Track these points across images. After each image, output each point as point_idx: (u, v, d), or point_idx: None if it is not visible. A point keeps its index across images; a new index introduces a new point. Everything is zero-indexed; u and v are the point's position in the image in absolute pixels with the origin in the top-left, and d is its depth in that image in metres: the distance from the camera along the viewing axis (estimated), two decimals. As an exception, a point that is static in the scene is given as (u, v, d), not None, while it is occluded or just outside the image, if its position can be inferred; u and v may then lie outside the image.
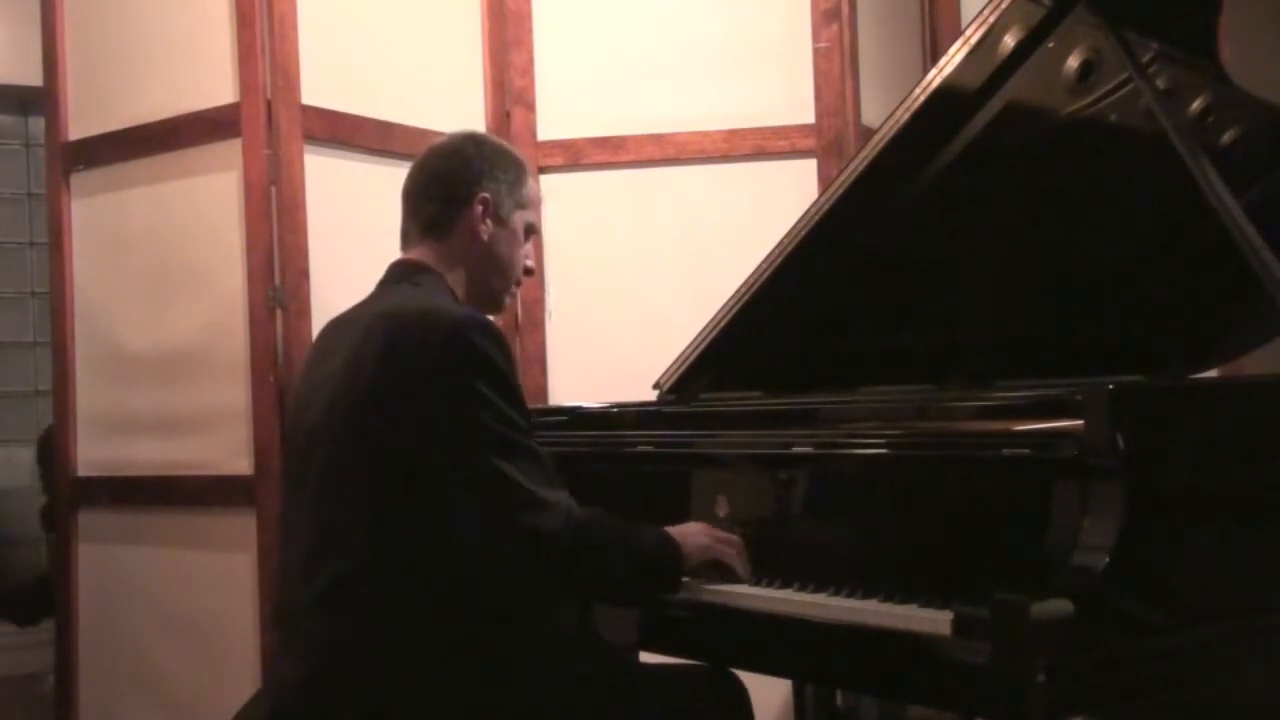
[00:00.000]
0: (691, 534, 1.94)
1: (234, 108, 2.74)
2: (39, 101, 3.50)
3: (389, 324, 1.88)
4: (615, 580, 1.89)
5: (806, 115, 3.13)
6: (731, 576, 1.92)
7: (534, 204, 2.12)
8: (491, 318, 1.99)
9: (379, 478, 1.81)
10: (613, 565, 1.86)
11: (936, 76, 2.01)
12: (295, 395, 2.13)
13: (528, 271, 2.13)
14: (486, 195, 2.04)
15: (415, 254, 2.05)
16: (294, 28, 2.76)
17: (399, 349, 1.83)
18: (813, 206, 2.18)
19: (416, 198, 2.07)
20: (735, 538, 1.96)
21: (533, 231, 2.12)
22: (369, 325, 1.90)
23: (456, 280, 2.04)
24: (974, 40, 1.96)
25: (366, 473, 1.82)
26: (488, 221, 2.04)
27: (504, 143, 2.17)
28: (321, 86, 2.81)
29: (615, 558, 1.86)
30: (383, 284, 2.06)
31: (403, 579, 1.79)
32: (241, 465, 2.72)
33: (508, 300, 2.14)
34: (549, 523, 1.78)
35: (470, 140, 2.11)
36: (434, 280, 2.01)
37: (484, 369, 1.81)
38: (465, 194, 2.03)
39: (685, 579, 1.91)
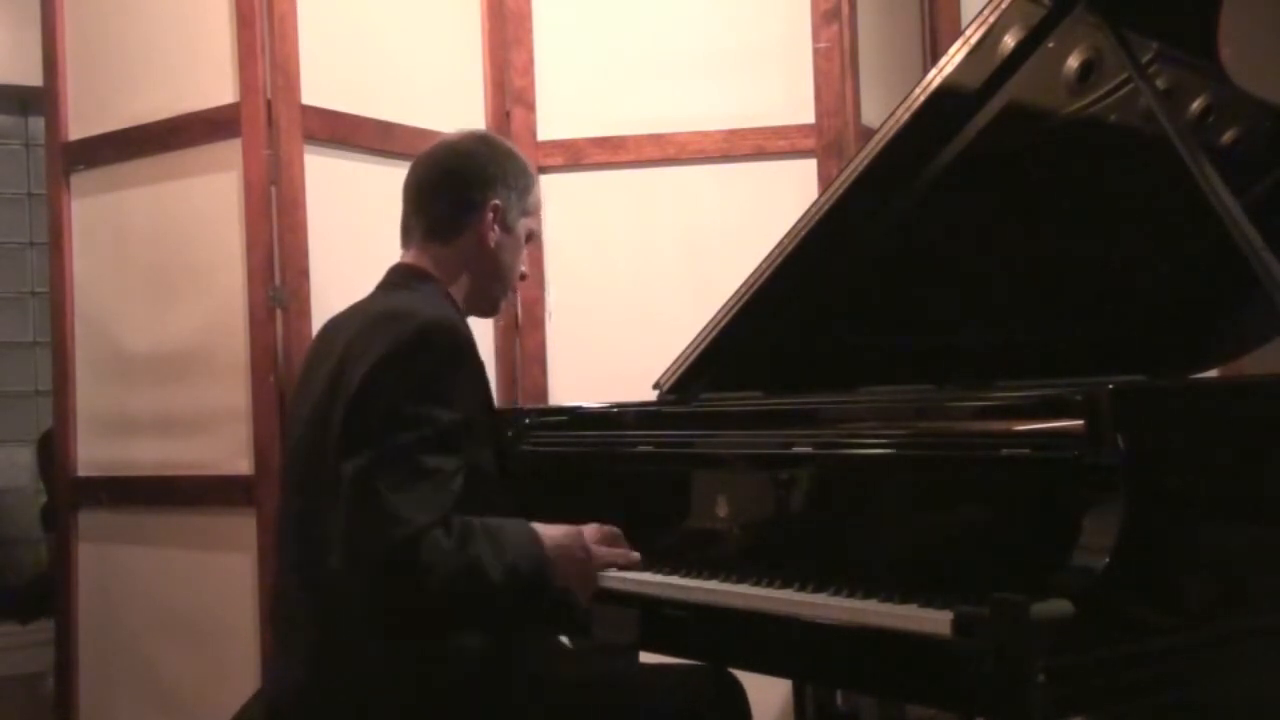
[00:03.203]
0: (565, 554, 1.87)
1: (234, 108, 2.74)
2: (39, 101, 3.50)
3: (371, 325, 1.86)
4: (464, 603, 1.77)
5: (806, 115, 3.13)
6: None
7: (537, 210, 2.11)
8: (489, 319, 1.97)
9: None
10: (460, 592, 1.73)
11: (936, 76, 2.01)
12: (292, 395, 2.13)
13: (522, 276, 2.12)
14: (498, 203, 2.01)
15: (416, 258, 2.02)
16: (294, 28, 2.76)
17: (367, 348, 1.81)
18: (813, 206, 2.18)
19: (424, 195, 2.03)
20: (613, 529, 1.96)
21: (532, 237, 2.11)
22: (359, 328, 1.89)
23: (458, 288, 2.01)
24: (974, 40, 1.96)
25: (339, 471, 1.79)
26: (496, 228, 2.02)
27: (513, 145, 2.14)
28: (321, 86, 2.81)
29: (459, 586, 1.72)
30: (380, 287, 2.04)
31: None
32: (241, 465, 2.72)
33: (503, 305, 2.14)
34: (392, 536, 1.68)
35: (483, 142, 2.08)
36: (433, 288, 1.98)
37: (422, 365, 1.78)
38: (479, 199, 2.00)
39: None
